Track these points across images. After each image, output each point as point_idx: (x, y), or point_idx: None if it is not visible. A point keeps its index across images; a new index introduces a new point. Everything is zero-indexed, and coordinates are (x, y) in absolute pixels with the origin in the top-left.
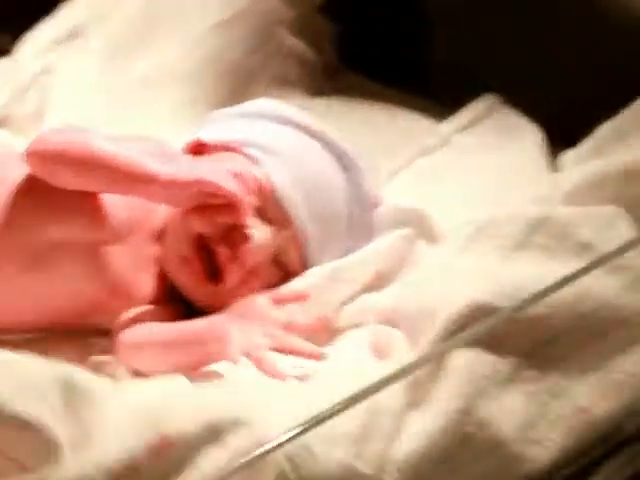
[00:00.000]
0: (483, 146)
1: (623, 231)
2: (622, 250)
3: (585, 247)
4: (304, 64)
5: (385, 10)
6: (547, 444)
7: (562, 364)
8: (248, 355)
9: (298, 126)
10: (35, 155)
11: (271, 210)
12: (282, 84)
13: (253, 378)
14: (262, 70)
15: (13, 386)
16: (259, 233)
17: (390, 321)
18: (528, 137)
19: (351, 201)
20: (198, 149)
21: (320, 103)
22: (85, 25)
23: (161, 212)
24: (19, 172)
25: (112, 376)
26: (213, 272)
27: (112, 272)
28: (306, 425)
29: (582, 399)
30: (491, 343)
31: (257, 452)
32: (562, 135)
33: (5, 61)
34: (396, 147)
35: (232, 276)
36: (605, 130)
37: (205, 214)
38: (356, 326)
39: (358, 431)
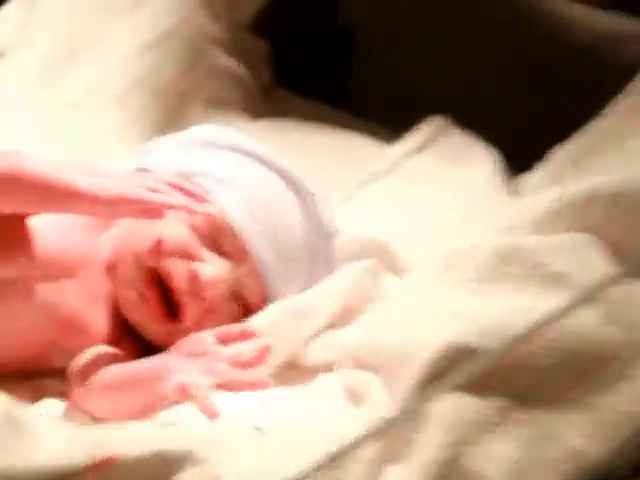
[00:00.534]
0: (435, 171)
1: (598, 260)
2: (604, 285)
3: (559, 277)
4: (240, 84)
5: (312, 28)
6: None
7: (550, 405)
8: (186, 393)
9: (249, 154)
10: None
11: (227, 244)
12: (219, 105)
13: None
14: (197, 90)
15: None
16: (215, 267)
17: (360, 362)
18: (482, 160)
19: (310, 232)
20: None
21: (258, 126)
22: (10, 44)
23: (106, 243)
24: None
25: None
26: (170, 309)
27: (63, 308)
28: None
29: (574, 441)
30: (475, 386)
31: None
32: (509, 153)
33: None
34: (341, 171)
35: (191, 313)
36: (559, 155)
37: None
38: (325, 367)
39: None
